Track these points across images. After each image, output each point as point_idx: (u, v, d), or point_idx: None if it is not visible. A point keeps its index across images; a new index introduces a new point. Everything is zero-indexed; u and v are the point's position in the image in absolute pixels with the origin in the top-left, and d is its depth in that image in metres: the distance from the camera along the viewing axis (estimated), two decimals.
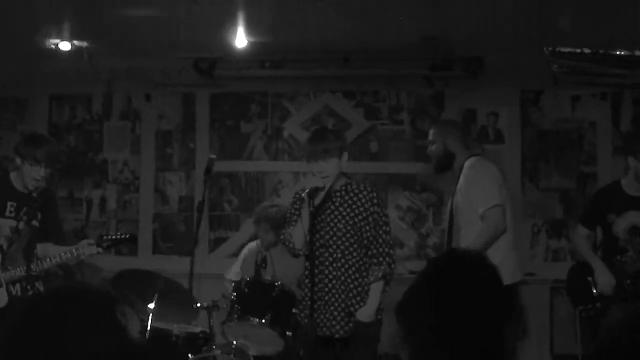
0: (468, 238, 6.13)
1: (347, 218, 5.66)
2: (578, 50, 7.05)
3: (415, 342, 2.40)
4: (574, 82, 7.96)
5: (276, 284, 5.99)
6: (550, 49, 7.07)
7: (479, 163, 6.35)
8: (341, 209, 5.68)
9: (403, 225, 8.49)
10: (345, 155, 5.74)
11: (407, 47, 8.01)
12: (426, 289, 2.44)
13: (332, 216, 5.68)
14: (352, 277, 5.61)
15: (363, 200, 5.69)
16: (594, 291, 6.38)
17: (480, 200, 6.13)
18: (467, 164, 6.30)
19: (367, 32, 7.56)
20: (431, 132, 6.61)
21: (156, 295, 6.19)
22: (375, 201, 5.73)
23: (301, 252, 5.72)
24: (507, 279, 6.04)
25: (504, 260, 6.00)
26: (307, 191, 5.59)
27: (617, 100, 8.49)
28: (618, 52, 7.26)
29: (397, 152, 8.74)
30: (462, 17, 7.05)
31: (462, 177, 6.28)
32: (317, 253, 5.62)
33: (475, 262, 2.53)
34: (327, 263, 5.63)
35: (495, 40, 7.73)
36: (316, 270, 5.58)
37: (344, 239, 5.63)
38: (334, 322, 5.60)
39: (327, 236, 5.65)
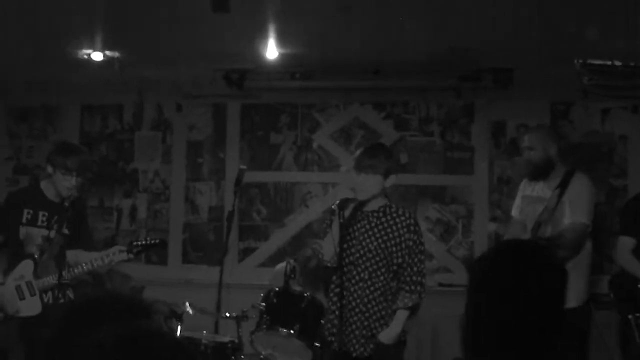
0: None
1: (380, 241, 5.61)
2: (609, 63, 6.99)
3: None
4: (604, 94, 7.90)
5: (305, 294, 5.99)
6: (580, 61, 7.03)
7: (587, 179, 6.36)
8: (375, 230, 5.65)
9: (432, 237, 8.48)
10: (393, 178, 5.65)
11: (436, 58, 8.01)
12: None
13: (366, 235, 5.64)
14: (377, 300, 5.56)
15: (399, 226, 5.63)
16: None
17: (574, 212, 6.13)
18: (579, 179, 6.30)
19: (397, 43, 7.56)
20: (527, 137, 6.52)
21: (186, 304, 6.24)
22: (412, 228, 5.64)
23: (329, 264, 5.71)
24: (575, 300, 6.05)
25: (575, 279, 5.99)
26: (337, 202, 5.58)
27: None
28: None
29: (426, 164, 8.73)
30: (491, 29, 7.04)
31: (570, 189, 6.25)
32: (345, 269, 5.61)
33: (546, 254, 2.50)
34: (353, 281, 5.61)
35: (525, 52, 7.72)
36: (342, 287, 5.56)
37: (372, 261, 5.59)
38: (354, 341, 5.57)
39: (357, 254, 5.62)
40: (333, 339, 5.58)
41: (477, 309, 2.39)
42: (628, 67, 7.13)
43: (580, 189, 6.24)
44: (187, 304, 6.31)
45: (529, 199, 6.54)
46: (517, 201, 6.73)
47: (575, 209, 6.16)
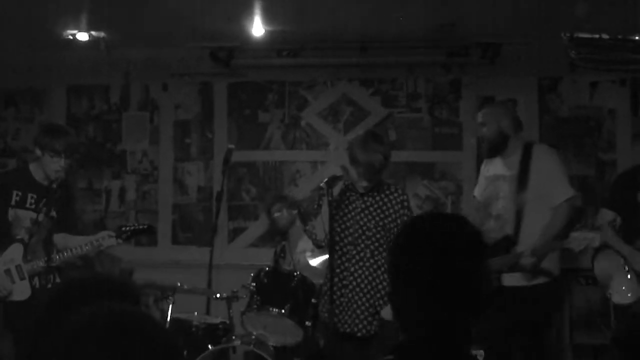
0: (534, 226, 6.01)
1: (377, 219, 5.71)
2: (597, 36, 6.97)
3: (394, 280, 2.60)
4: (592, 68, 7.87)
5: (295, 274, 6.00)
6: (568, 35, 7.00)
7: (552, 153, 6.28)
8: (372, 208, 5.74)
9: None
10: (387, 162, 5.80)
11: (423, 34, 8.00)
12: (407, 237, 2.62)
13: (362, 215, 5.72)
14: (380, 277, 5.64)
15: (394, 202, 5.75)
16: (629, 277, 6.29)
17: (559, 191, 6.03)
18: (538, 151, 6.19)
19: (384, 19, 7.54)
20: (481, 114, 6.45)
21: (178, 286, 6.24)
22: (405, 204, 5.82)
23: (323, 243, 5.74)
24: (558, 269, 6.05)
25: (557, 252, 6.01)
26: (325, 180, 5.60)
27: (636, 87, 8.42)
28: (637, 38, 7.19)
29: (415, 140, 8.71)
30: (478, 3, 7.02)
31: (533, 165, 6.16)
32: (345, 249, 5.68)
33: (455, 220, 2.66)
34: (354, 261, 5.67)
35: (512, 27, 7.71)
36: (342, 267, 5.62)
37: (373, 239, 5.68)
38: (356, 321, 5.63)
39: (356, 234, 5.69)
40: (327, 317, 5.61)
41: (395, 269, 2.59)
42: (616, 40, 7.10)
43: (549, 162, 6.15)
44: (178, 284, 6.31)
45: (490, 179, 6.46)
46: (480, 181, 6.65)
47: (557, 187, 6.07)
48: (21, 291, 5.84)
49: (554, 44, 7.00)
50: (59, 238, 6.12)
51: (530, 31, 7.72)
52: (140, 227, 6.17)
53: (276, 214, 7.32)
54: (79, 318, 1.94)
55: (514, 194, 6.16)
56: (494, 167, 6.39)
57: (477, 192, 6.66)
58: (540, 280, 5.95)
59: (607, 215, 6.49)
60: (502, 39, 8.19)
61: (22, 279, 5.85)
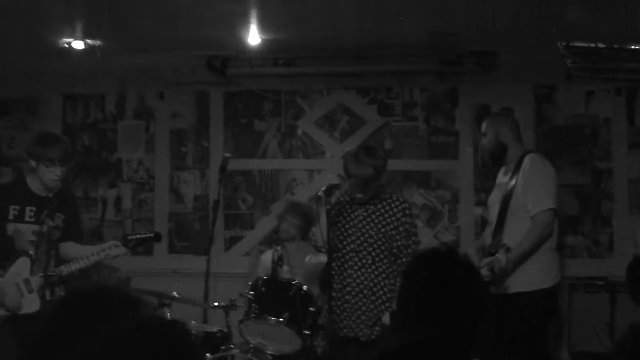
0: (514, 235, 6.02)
1: (379, 226, 5.85)
2: (592, 45, 7.00)
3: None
4: (588, 77, 7.90)
5: (293, 282, 5.99)
6: (564, 43, 7.03)
7: (540, 162, 6.21)
8: (373, 216, 5.88)
9: (419, 223, 8.41)
10: (384, 173, 6.02)
11: (419, 43, 8.02)
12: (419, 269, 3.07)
13: (364, 223, 5.87)
14: (382, 283, 5.76)
15: (395, 211, 5.89)
16: None
17: (536, 202, 6.00)
18: (527, 160, 6.17)
19: (379, 28, 7.55)
20: (484, 124, 6.52)
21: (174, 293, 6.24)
22: (407, 212, 5.97)
23: (324, 250, 5.80)
24: (546, 281, 6.08)
25: (551, 262, 6.01)
26: (323, 189, 5.67)
27: (632, 95, 8.45)
28: (633, 47, 7.21)
29: (411, 149, 8.71)
30: (473, 12, 7.04)
31: (521, 173, 6.17)
32: (347, 257, 5.79)
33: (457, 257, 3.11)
34: (356, 267, 5.79)
35: (508, 35, 7.73)
36: (344, 274, 5.69)
37: (375, 246, 5.82)
38: (361, 326, 5.72)
39: (358, 241, 5.82)
40: (325, 322, 5.66)
41: (402, 294, 3.08)
42: (612, 49, 7.13)
43: (533, 171, 6.11)
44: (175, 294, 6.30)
45: (497, 186, 6.52)
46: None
47: (535, 198, 6.04)
48: (30, 304, 5.83)
49: (549, 53, 7.04)
50: (65, 247, 6.12)
51: (526, 40, 7.73)
52: (147, 235, 6.18)
53: (288, 219, 7.32)
54: (93, 333, 1.96)
55: (505, 202, 6.20)
56: (499, 175, 6.45)
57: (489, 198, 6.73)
58: (524, 288, 5.97)
59: None
60: (498, 47, 8.22)
61: (30, 291, 5.85)
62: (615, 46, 7.17)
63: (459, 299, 2.88)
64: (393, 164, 8.31)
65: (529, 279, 5.96)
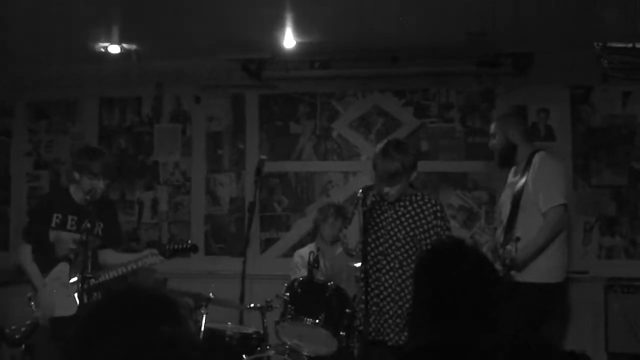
0: (526, 232, 6.10)
1: (408, 229, 5.70)
2: (629, 45, 6.94)
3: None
4: (624, 77, 7.83)
5: (329, 284, 5.99)
6: (600, 44, 6.97)
7: (549, 159, 6.33)
8: (403, 219, 5.73)
9: (455, 224, 8.39)
10: (415, 174, 5.78)
11: (455, 44, 7.98)
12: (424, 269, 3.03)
13: (393, 225, 5.73)
14: (409, 288, 5.62)
15: (426, 213, 5.73)
16: None
17: (546, 198, 6.11)
18: (537, 158, 6.27)
19: (415, 29, 7.54)
20: (492, 126, 6.60)
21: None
22: (439, 214, 5.77)
23: (354, 253, 5.77)
24: (552, 276, 6.11)
25: (552, 256, 6.06)
26: (360, 190, 5.62)
27: None
28: None
29: (447, 151, 8.68)
30: (510, 13, 7.00)
31: (531, 171, 6.23)
32: (375, 260, 5.68)
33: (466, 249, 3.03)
34: (384, 271, 5.69)
35: (544, 36, 7.69)
36: (373, 277, 5.64)
37: (402, 249, 5.68)
38: (388, 330, 5.64)
39: (387, 244, 5.71)
40: (361, 326, 5.62)
41: (416, 291, 3.04)
42: None
43: (544, 169, 6.23)
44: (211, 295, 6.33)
45: (507, 186, 6.56)
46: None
47: (546, 195, 6.16)
48: (67, 307, 5.93)
49: (586, 54, 6.97)
50: (104, 255, 6.29)
51: (562, 41, 7.70)
52: (184, 246, 6.28)
53: (330, 221, 7.35)
54: (117, 339, 1.98)
55: (516, 200, 6.28)
56: (510, 176, 6.51)
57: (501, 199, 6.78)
58: (532, 279, 6.11)
59: None
60: (534, 48, 8.17)
61: (68, 295, 5.96)
62: None
63: (468, 295, 2.81)
64: (429, 166, 8.35)
65: (538, 271, 6.04)
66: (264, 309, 6.37)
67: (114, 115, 9.35)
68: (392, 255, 5.69)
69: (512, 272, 6.10)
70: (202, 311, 6.23)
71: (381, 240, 5.72)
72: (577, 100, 8.49)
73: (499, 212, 6.65)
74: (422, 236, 5.70)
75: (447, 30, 7.57)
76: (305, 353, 6.07)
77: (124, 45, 8.12)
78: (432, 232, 5.70)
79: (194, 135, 9.17)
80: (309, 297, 5.95)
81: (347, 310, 5.83)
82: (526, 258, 6.06)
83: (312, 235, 7.92)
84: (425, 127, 8.74)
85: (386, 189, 5.72)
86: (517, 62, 8.30)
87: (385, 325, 5.65)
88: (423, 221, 5.71)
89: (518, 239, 5.93)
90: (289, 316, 5.89)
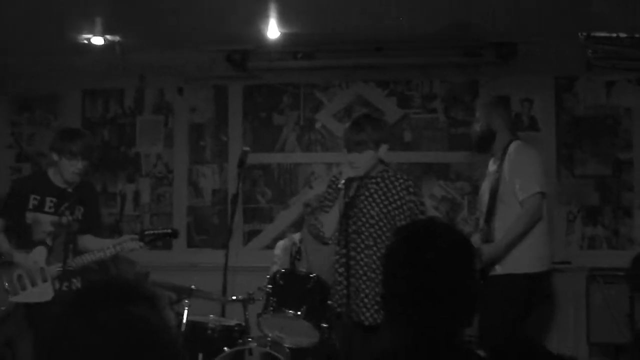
0: (504, 221, 6.11)
1: (381, 206, 5.65)
2: (614, 35, 6.92)
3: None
4: (609, 67, 7.82)
5: (311, 275, 5.98)
6: (584, 33, 6.96)
7: (524, 148, 6.31)
8: (375, 196, 5.68)
9: (438, 214, 8.39)
10: (384, 148, 5.72)
11: (438, 34, 7.95)
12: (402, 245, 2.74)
13: (366, 202, 5.68)
14: None
15: (399, 189, 5.68)
16: None
17: (522, 187, 6.10)
18: (512, 148, 6.26)
19: (398, 20, 7.51)
20: (477, 111, 6.60)
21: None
22: (411, 190, 5.71)
23: (330, 241, 5.74)
24: (535, 266, 6.12)
25: (533, 246, 6.05)
26: (342, 182, 5.58)
27: None
28: None
29: (430, 141, 8.67)
30: (493, 3, 6.99)
31: (507, 160, 6.22)
32: (349, 238, 5.59)
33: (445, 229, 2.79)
34: (358, 249, 5.63)
35: (528, 26, 7.68)
36: (348, 255, 5.57)
37: (376, 226, 5.63)
38: (364, 309, 5.59)
39: (360, 222, 5.65)
40: (343, 309, 5.57)
41: (386, 282, 2.74)
42: (633, 39, 7.06)
43: (517, 159, 6.22)
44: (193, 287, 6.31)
45: (487, 175, 6.56)
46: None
47: (522, 184, 6.15)
48: (43, 293, 5.88)
49: (570, 43, 6.96)
50: (84, 240, 6.19)
51: (547, 30, 7.69)
52: (164, 231, 6.22)
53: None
54: (93, 323, 1.96)
55: (494, 190, 6.28)
56: (489, 164, 6.53)
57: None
58: (511, 270, 6.10)
59: None
60: (518, 38, 8.15)
61: (44, 281, 5.90)
62: (637, 36, 7.10)
63: (445, 278, 2.57)
64: (413, 156, 8.36)
65: (517, 262, 6.05)
66: (246, 301, 6.36)
67: (96, 107, 9.30)
68: (367, 234, 5.63)
69: (497, 267, 6.09)
70: (184, 303, 6.20)
71: (354, 219, 5.65)
72: (561, 90, 8.50)
73: (480, 202, 6.62)
74: (396, 212, 5.65)
75: (430, 21, 7.55)
76: (287, 345, 6.07)
77: (108, 37, 8.07)
78: (405, 207, 5.64)
79: (176, 126, 9.12)
80: (291, 289, 5.95)
81: (329, 302, 5.81)
82: (505, 246, 6.05)
83: (297, 227, 7.91)
84: (408, 118, 8.72)
85: (355, 156, 5.66)
86: (501, 52, 8.28)
87: (361, 304, 5.58)
88: (396, 197, 5.66)
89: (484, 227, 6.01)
90: (271, 308, 5.88)
